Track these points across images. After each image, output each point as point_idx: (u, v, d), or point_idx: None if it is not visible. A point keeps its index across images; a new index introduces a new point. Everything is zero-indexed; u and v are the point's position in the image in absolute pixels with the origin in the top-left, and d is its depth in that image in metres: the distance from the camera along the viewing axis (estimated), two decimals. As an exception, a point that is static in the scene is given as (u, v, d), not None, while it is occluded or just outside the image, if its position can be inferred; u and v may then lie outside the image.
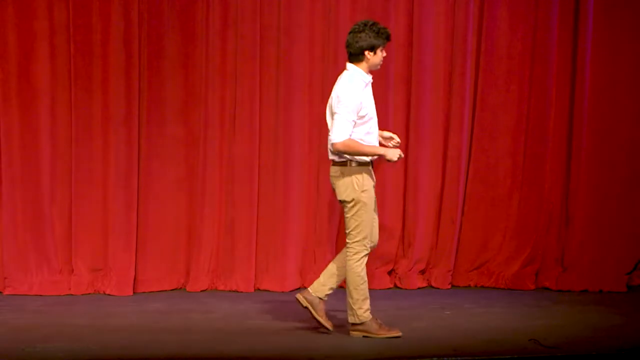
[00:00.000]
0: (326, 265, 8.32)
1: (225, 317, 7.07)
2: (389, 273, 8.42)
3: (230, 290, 8.15)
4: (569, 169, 8.46)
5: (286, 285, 8.21)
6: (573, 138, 8.44)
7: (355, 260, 6.33)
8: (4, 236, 7.94)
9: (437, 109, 8.41)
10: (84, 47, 7.94)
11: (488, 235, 8.51)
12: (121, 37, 7.95)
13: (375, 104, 8.27)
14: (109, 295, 7.96)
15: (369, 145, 6.31)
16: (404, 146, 8.38)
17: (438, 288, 8.38)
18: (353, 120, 6.23)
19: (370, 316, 6.35)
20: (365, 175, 6.31)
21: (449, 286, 8.42)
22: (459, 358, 5.80)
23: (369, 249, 6.41)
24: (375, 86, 8.28)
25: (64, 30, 7.93)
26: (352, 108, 6.24)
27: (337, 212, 8.32)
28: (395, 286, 8.39)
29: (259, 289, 8.21)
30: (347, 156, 6.28)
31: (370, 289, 8.14)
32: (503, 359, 5.84)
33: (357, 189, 6.28)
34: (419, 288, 8.35)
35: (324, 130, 8.27)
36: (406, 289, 8.30)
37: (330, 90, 8.27)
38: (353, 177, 6.28)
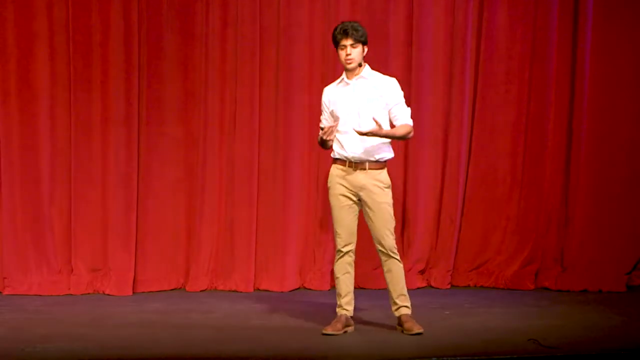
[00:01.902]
0: (326, 266, 8.36)
1: (225, 317, 7.07)
2: (389, 273, 8.41)
3: (229, 290, 8.15)
4: (568, 169, 8.46)
5: (286, 285, 8.21)
6: (572, 138, 8.44)
7: None
8: (3, 236, 7.95)
9: (437, 108, 8.41)
10: (83, 47, 7.94)
11: (488, 235, 8.51)
12: (121, 38, 7.95)
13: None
14: (108, 295, 7.96)
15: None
16: (404, 146, 8.39)
17: (438, 288, 8.39)
18: (323, 119, 6.48)
19: (340, 312, 6.48)
20: (333, 172, 6.44)
21: (449, 286, 8.42)
22: (459, 358, 5.80)
23: (337, 249, 6.48)
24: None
25: (64, 30, 7.93)
26: (322, 103, 6.53)
27: (336, 212, 8.32)
28: (395, 286, 8.38)
29: (258, 289, 8.21)
30: (331, 154, 6.48)
31: (369, 289, 8.24)
32: (503, 359, 5.83)
33: (327, 185, 6.51)
34: (418, 288, 8.34)
35: (324, 130, 8.31)
36: (406, 289, 8.30)
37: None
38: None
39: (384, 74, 8.27)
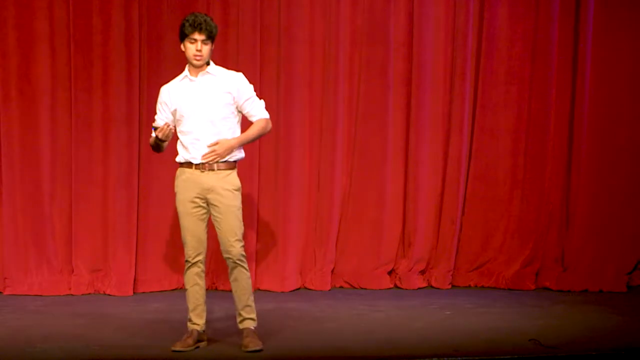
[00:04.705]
0: (327, 265, 8.36)
1: (225, 317, 7.06)
2: (389, 273, 8.41)
3: (230, 290, 8.10)
4: (569, 169, 8.46)
5: (286, 285, 8.21)
6: (573, 138, 8.44)
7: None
8: (4, 236, 7.95)
9: (438, 109, 8.41)
10: (84, 47, 7.94)
11: (488, 236, 8.51)
12: (122, 37, 7.95)
13: (375, 104, 8.36)
14: (109, 295, 7.96)
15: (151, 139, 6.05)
16: (404, 146, 8.39)
17: (438, 288, 8.38)
18: (159, 119, 6.08)
19: (190, 327, 6.11)
20: (178, 177, 6.08)
21: (449, 286, 8.41)
22: (459, 358, 5.80)
23: (185, 258, 6.10)
24: (375, 86, 8.34)
25: (64, 30, 7.93)
26: (157, 106, 6.14)
27: (337, 211, 8.32)
28: (395, 286, 8.38)
29: (259, 289, 8.20)
30: (176, 158, 6.12)
31: (370, 289, 8.24)
32: (503, 359, 5.83)
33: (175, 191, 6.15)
34: (419, 288, 8.34)
35: (324, 130, 8.32)
36: (406, 289, 8.30)
37: (330, 90, 8.33)
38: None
39: (384, 74, 8.33)
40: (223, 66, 8.11)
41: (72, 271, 8.03)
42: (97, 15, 7.94)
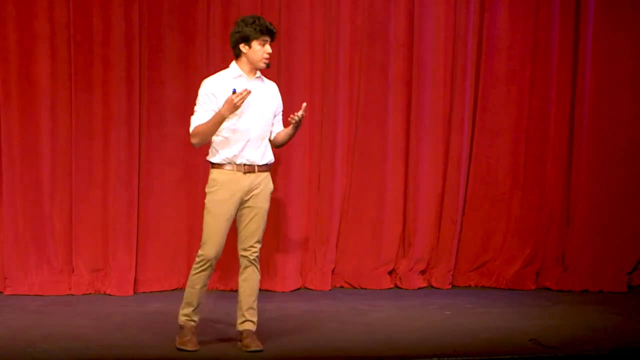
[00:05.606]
0: (327, 265, 8.36)
1: (225, 317, 7.07)
2: (389, 273, 8.42)
3: (230, 290, 8.14)
4: (569, 169, 8.47)
5: (286, 285, 8.21)
6: (574, 138, 8.44)
7: (194, 265, 6.03)
8: (4, 236, 7.94)
9: (438, 109, 8.41)
10: (84, 47, 7.93)
11: (489, 236, 8.51)
12: (122, 38, 7.95)
13: (376, 104, 8.37)
14: (109, 295, 7.96)
15: (212, 118, 5.86)
16: (404, 146, 8.40)
17: (438, 288, 8.38)
18: (205, 111, 5.91)
19: (189, 324, 6.11)
20: (216, 178, 5.98)
21: (450, 286, 8.42)
22: (459, 358, 5.80)
23: (206, 259, 5.95)
24: (375, 86, 8.34)
25: (65, 30, 7.93)
26: (200, 98, 5.95)
27: (337, 211, 8.32)
28: (396, 286, 8.39)
29: (259, 289, 8.19)
30: (211, 158, 6.04)
31: (370, 289, 8.25)
32: (503, 359, 5.84)
33: (207, 190, 6.00)
34: (419, 288, 8.35)
35: (324, 130, 8.33)
36: (406, 289, 8.30)
37: (330, 90, 8.33)
38: (210, 177, 6.03)
39: (384, 74, 8.34)
40: (223, 67, 8.17)
41: (72, 271, 8.03)
42: (97, 16, 7.93)
